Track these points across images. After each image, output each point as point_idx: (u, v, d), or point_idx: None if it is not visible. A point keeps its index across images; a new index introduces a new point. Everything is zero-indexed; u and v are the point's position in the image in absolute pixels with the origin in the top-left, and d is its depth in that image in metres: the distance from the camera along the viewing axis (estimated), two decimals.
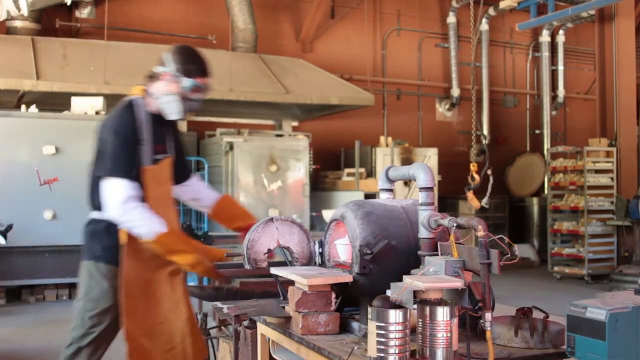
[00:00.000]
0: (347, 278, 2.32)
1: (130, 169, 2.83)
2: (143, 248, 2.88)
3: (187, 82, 2.89)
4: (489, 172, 6.73)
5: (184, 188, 3.29)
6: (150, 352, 2.93)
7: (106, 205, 2.83)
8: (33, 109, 7.81)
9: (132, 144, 2.86)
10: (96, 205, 2.95)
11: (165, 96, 2.92)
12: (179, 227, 3.26)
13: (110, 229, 2.89)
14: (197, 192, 3.33)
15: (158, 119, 2.98)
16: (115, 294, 2.89)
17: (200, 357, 3.10)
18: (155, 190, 2.94)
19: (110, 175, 2.81)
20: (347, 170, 10.58)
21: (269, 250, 2.68)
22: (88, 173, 2.99)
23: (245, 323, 2.85)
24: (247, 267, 2.69)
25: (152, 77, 2.97)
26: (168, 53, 2.95)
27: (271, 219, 2.72)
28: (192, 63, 2.93)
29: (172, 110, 2.93)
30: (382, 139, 11.11)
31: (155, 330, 2.93)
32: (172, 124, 3.12)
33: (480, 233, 1.94)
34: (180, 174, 3.22)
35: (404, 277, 2.01)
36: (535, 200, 12.55)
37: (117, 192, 2.79)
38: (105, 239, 2.92)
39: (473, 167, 7.14)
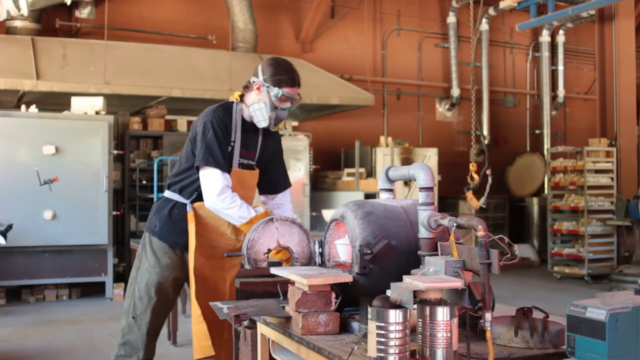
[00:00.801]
0: (347, 278, 2.31)
1: (223, 160, 3.00)
2: (210, 240, 3.13)
3: (275, 91, 3.04)
4: (488, 172, 6.74)
5: (270, 201, 3.42)
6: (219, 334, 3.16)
7: (204, 193, 3.04)
8: (33, 109, 7.81)
9: (224, 141, 3.03)
10: (171, 185, 3.19)
11: (255, 104, 3.07)
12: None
13: (173, 211, 3.14)
14: (273, 207, 3.42)
15: (251, 127, 3.16)
16: (161, 270, 3.11)
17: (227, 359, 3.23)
18: (237, 192, 3.07)
19: (205, 165, 2.99)
20: (347, 170, 10.58)
21: (269, 250, 2.68)
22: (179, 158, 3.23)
23: (245, 323, 2.85)
24: (247, 267, 2.69)
25: (247, 86, 3.15)
26: (261, 64, 3.12)
27: (271, 219, 2.71)
28: (282, 74, 3.09)
29: (261, 117, 3.08)
30: (382, 139, 11.11)
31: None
32: (268, 133, 3.26)
33: (480, 233, 1.94)
34: (271, 184, 3.37)
35: (404, 277, 2.00)
36: (535, 200, 12.54)
37: (213, 183, 2.98)
38: (166, 218, 3.14)
39: (472, 167, 7.16)
